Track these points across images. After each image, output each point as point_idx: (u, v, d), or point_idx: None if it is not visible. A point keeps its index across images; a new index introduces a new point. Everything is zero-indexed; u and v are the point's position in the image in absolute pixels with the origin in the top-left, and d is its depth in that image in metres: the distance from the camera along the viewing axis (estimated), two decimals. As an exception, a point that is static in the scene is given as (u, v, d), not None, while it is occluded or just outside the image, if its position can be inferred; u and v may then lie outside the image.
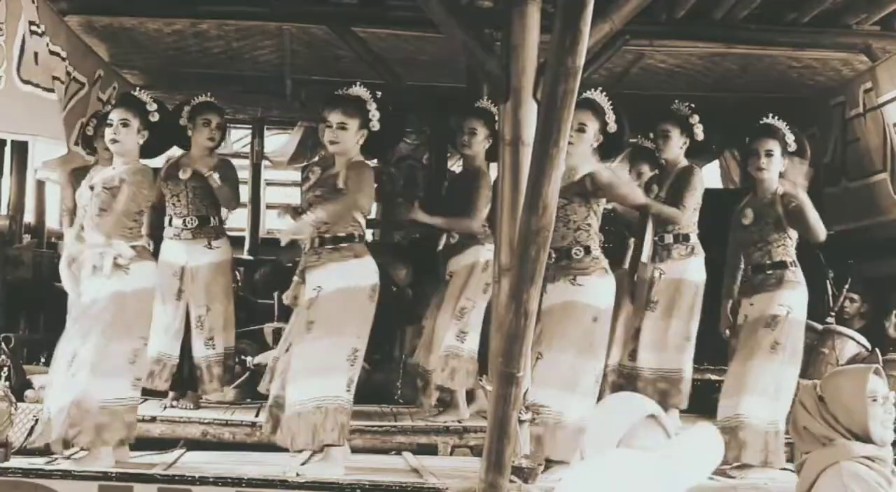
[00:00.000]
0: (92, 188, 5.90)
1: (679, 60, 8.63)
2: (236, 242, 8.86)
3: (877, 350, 7.27)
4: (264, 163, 13.10)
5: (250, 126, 12.96)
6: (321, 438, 5.68)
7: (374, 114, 5.92)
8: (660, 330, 7.04)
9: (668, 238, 7.06)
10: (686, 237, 7.05)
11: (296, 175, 13.77)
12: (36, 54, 6.34)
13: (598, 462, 2.87)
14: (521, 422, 5.25)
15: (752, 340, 6.19)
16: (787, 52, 8.18)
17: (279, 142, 13.71)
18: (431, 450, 6.60)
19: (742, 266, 6.43)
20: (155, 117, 5.99)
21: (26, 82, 6.20)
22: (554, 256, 5.60)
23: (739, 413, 6.05)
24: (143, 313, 5.87)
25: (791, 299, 6.20)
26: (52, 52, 6.78)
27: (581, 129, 5.79)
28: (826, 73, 8.67)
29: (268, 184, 13.97)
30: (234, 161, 15.97)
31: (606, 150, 6.02)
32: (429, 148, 10.76)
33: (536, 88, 5.32)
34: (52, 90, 6.55)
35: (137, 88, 6.72)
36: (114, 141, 5.89)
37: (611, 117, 5.91)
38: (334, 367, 5.73)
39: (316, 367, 5.72)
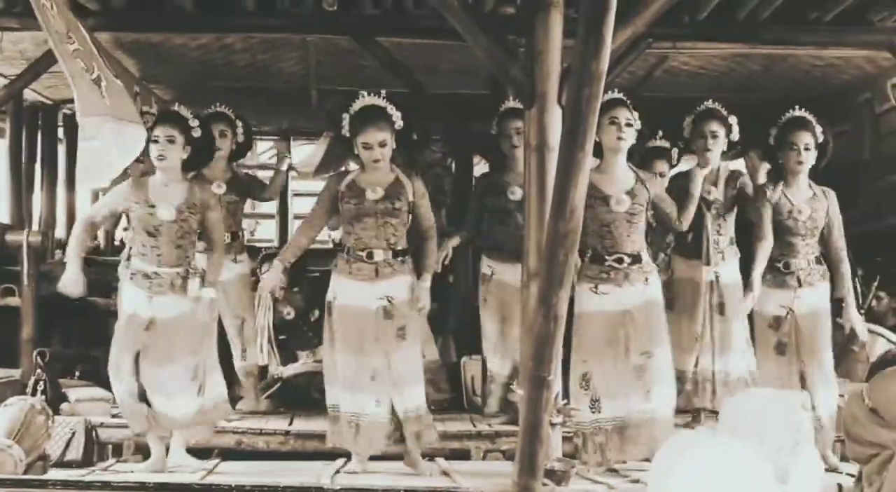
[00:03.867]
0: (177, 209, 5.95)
1: (702, 62, 8.64)
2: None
3: (908, 347, 7.24)
4: (291, 173, 13.17)
5: (277, 137, 13.05)
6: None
7: (399, 124, 5.94)
8: (723, 333, 6.88)
9: (724, 241, 6.95)
10: (733, 240, 6.97)
11: (322, 185, 13.83)
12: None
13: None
14: (552, 425, 5.29)
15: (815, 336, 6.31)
16: (810, 51, 8.17)
17: (306, 152, 13.76)
18: (464, 455, 6.63)
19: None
20: (197, 133, 6.02)
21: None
22: None
23: None
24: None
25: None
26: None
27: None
28: (850, 70, 8.66)
29: (295, 195, 14.03)
30: (261, 173, 16.14)
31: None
32: (454, 155, 10.79)
33: (561, 93, 5.37)
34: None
35: (171, 104, 6.75)
36: (161, 157, 5.92)
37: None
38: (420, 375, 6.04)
39: (416, 374, 5.97)
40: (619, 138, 6.02)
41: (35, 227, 9.27)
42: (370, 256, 5.94)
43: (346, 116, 5.91)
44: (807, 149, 6.31)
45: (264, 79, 9.51)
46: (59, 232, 10.51)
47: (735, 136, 6.93)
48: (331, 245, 13.27)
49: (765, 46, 8.10)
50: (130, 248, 6.08)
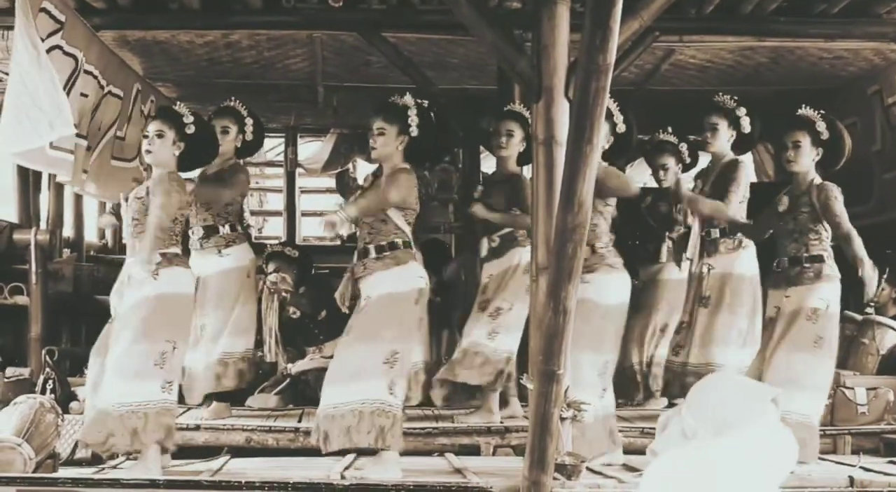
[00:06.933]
0: (126, 200, 6.02)
1: (709, 55, 8.61)
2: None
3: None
4: (298, 170, 13.19)
5: (283, 134, 13.06)
6: (355, 440, 5.68)
7: (414, 119, 5.93)
8: (713, 325, 7.06)
9: (715, 232, 7.08)
10: (733, 231, 7.04)
11: (330, 182, 13.85)
12: None
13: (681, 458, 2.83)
14: (562, 419, 5.28)
15: (793, 333, 6.15)
16: (817, 43, 8.15)
17: (312, 149, 13.78)
18: (474, 450, 6.62)
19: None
20: (191, 130, 6.02)
21: None
22: None
23: (787, 409, 5.98)
24: (173, 317, 5.83)
25: (829, 293, 6.17)
26: (85, 71, 6.92)
27: None
28: (857, 62, 8.63)
29: (302, 191, 14.05)
30: (269, 170, 16.07)
31: (616, 150, 6.18)
32: (461, 151, 10.78)
33: (568, 87, 5.35)
34: None
35: (176, 102, 6.73)
36: (148, 152, 5.97)
37: (619, 118, 6.05)
38: (369, 371, 5.74)
39: (351, 371, 5.76)
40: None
41: (43, 226, 9.24)
42: None
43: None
44: None
45: (270, 76, 9.50)
46: (67, 231, 10.52)
47: (745, 128, 6.96)
48: (339, 242, 13.33)
49: (772, 39, 8.07)
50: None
